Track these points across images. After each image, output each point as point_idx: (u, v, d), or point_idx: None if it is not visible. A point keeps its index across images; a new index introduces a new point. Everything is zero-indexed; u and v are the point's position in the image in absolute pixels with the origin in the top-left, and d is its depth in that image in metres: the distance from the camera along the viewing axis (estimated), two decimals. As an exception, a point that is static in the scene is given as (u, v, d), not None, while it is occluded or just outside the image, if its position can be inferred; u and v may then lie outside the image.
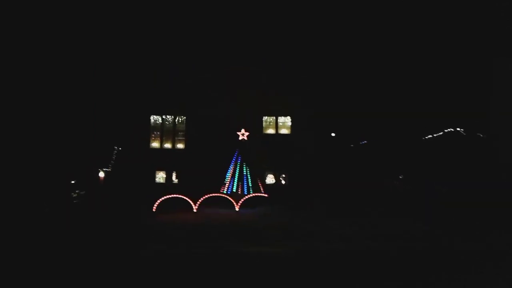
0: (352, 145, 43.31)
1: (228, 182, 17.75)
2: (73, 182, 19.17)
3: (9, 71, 26.86)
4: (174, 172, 22.75)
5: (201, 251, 9.40)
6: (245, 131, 18.68)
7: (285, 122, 23.76)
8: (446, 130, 31.47)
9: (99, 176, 22.63)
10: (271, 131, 23.57)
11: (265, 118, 23.54)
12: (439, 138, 31.66)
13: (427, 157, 28.07)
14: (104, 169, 23.53)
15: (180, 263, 8.59)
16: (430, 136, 32.88)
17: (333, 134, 41.96)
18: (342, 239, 10.82)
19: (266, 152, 21.69)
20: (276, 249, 9.74)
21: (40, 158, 25.43)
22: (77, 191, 17.99)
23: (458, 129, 30.52)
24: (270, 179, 22.79)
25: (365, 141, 42.36)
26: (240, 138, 18.53)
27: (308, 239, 10.89)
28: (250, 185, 17.55)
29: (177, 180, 22.48)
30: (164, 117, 23.12)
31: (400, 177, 21.90)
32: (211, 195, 16.91)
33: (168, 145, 23.13)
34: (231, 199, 16.49)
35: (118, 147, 24.19)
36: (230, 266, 8.33)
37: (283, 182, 20.96)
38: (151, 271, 7.85)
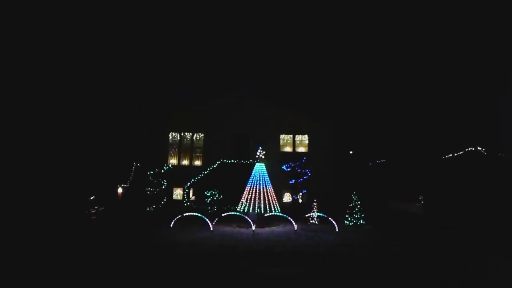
0: (370, 164, 42.87)
1: (245, 200, 17.69)
2: (92, 198, 19.40)
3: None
4: (191, 189, 22.85)
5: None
6: (263, 149, 18.67)
7: (303, 140, 23.71)
8: (467, 149, 30.86)
9: (117, 192, 22.89)
10: (288, 149, 23.57)
11: (282, 136, 23.56)
12: (459, 157, 31.03)
13: (448, 177, 27.50)
14: (122, 185, 23.80)
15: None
16: (451, 155, 32.28)
17: (351, 152, 41.66)
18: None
19: (283, 170, 21.66)
20: (291, 269, 9.61)
21: (57, 173, 25.95)
22: (96, 207, 18.17)
23: (479, 148, 29.90)
24: (287, 197, 22.66)
25: (384, 160, 41.87)
26: (258, 156, 18.50)
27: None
28: (267, 203, 17.43)
29: (193, 197, 22.56)
30: (182, 134, 23.35)
31: (420, 198, 21.41)
32: (227, 213, 16.86)
33: (185, 162, 23.30)
34: (248, 218, 16.40)
35: (137, 163, 24.47)
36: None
37: (300, 200, 20.76)
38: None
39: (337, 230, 15.93)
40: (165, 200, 19.53)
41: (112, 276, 9.11)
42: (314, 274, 9.47)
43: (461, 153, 31.61)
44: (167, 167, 20.04)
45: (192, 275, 9.23)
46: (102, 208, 18.58)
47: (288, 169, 21.09)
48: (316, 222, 16.82)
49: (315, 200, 17.44)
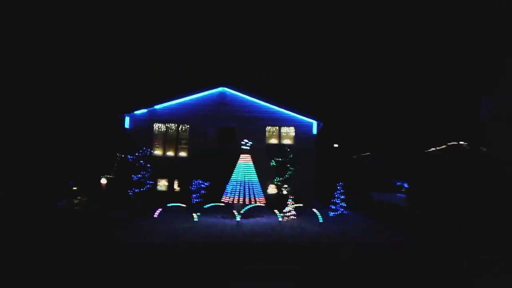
0: (354, 156, 43.37)
1: (229, 191, 17.71)
2: (75, 188, 19.17)
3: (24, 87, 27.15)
4: (176, 180, 22.76)
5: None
6: (248, 140, 18.68)
7: (288, 132, 23.79)
8: (449, 143, 31.41)
9: (101, 183, 22.69)
10: (274, 141, 23.63)
11: (268, 128, 23.59)
12: (442, 151, 31.57)
13: (430, 171, 27.96)
14: (106, 176, 23.58)
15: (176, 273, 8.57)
16: (433, 148, 32.82)
17: (335, 145, 42.03)
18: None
19: (268, 162, 21.71)
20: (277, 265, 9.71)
21: (42, 162, 25.59)
22: (79, 197, 17.97)
23: (461, 142, 30.45)
24: (271, 189, 22.76)
25: (368, 153, 42.40)
26: (243, 147, 18.51)
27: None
28: (252, 195, 17.48)
29: (179, 188, 22.48)
30: (167, 125, 23.20)
31: (403, 190, 21.75)
32: (212, 204, 16.89)
33: (170, 153, 23.18)
34: (232, 209, 16.45)
35: (120, 154, 24.24)
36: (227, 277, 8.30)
37: (284, 192, 20.87)
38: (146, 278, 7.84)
39: (320, 221, 16.10)
40: (148, 186, 19.30)
41: (93, 269, 9.06)
42: (304, 270, 9.57)
43: (443, 147, 32.19)
44: (150, 153, 19.86)
45: (176, 269, 9.24)
46: (86, 199, 18.37)
47: (276, 164, 21.20)
48: (294, 218, 16.89)
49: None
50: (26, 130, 27.84)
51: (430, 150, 33.20)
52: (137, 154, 19.58)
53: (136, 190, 18.98)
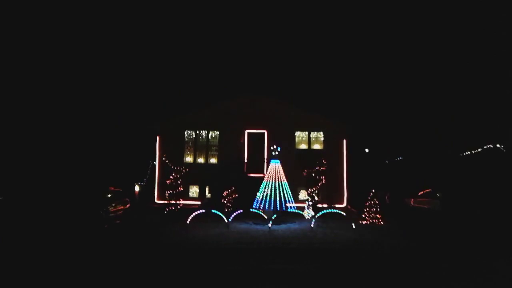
0: (387, 161, 42.46)
1: (260, 197, 17.70)
2: (109, 195, 19.61)
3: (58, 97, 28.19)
4: (207, 186, 22.98)
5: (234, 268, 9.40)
6: (278, 146, 18.65)
7: (318, 137, 23.62)
8: (485, 147, 30.33)
9: (135, 190, 23.19)
10: (303, 146, 23.51)
11: (297, 133, 23.51)
12: (478, 155, 30.53)
13: (466, 174, 27.07)
14: (139, 183, 24.09)
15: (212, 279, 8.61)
16: (469, 152, 31.77)
17: (367, 150, 41.31)
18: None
19: (298, 167, 21.59)
20: (305, 266, 9.61)
21: (77, 171, 26.41)
22: (113, 205, 18.34)
23: (497, 145, 29.35)
24: (302, 194, 22.61)
25: (401, 157, 41.44)
26: (273, 153, 18.50)
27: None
28: (283, 200, 17.41)
29: (210, 194, 22.67)
30: (198, 132, 23.50)
31: (438, 195, 21.11)
32: (243, 210, 16.92)
33: (201, 160, 23.45)
34: (264, 215, 16.42)
35: (153, 162, 24.73)
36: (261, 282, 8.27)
37: (316, 198, 20.68)
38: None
39: (353, 227, 15.83)
40: (180, 202, 19.72)
41: (127, 272, 9.24)
42: (330, 271, 9.43)
43: (479, 150, 31.10)
44: (184, 169, 20.20)
45: (207, 271, 9.29)
46: (122, 206, 18.75)
47: (304, 167, 21.02)
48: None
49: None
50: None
51: (466, 153, 32.17)
52: (167, 161, 19.92)
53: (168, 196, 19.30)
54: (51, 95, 30.30)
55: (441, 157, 34.03)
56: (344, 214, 16.42)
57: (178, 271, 9.18)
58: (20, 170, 24.50)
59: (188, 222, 15.81)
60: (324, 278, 8.76)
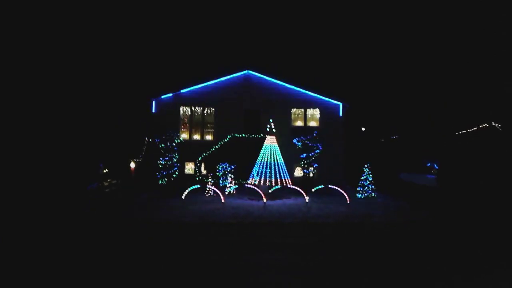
0: (382, 140, 42.61)
1: (256, 173, 17.75)
2: (105, 171, 19.67)
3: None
4: (203, 163, 22.97)
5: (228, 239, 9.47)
6: (274, 122, 18.59)
7: (314, 115, 23.54)
8: (481, 126, 30.39)
9: (130, 167, 23.17)
10: (299, 123, 23.44)
11: (293, 110, 23.40)
12: (473, 133, 30.62)
13: (461, 152, 27.21)
14: (135, 160, 24.06)
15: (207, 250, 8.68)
16: (464, 131, 31.86)
17: (363, 129, 41.32)
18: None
19: (294, 144, 21.58)
20: (300, 239, 9.70)
21: (72, 146, 26.32)
22: (109, 180, 18.43)
23: (493, 123, 29.40)
24: (298, 171, 22.70)
25: (396, 136, 41.57)
26: (268, 130, 18.45)
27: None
28: (278, 176, 17.47)
29: (205, 171, 22.69)
30: (193, 108, 23.34)
31: (433, 171, 21.26)
32: (238, 186, 16.98)
33: (197, 137, 23.37)
34: (259, 190, 16.48)
35: (148, 139, 24.64)
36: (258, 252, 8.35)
37: (311, 174, 20.75)
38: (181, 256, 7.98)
39: (348, 202, 15.94)
40: (177, 173, 19.66)
41: (121, 247, 9.29)
42: (326, 244, 9.53)
43: (475, 128, 31.18)
44: (178, 141, 20.10)
45: (203, 244, 9.36)
46: (115, 181, 18.83)
47: (299, 143, 20.96)
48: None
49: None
50: (56, 114, 28.59)
51: (462, 131, 32.25)
52: (164, 137, 19.86)
53: (164, 173, 19.31)
54: (43, 74, 29.91)
55: (437, 134, 34.14)
56: (339, 189, 16.48)
57: (176, 245, 9.24)
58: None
59: (183, 197, 15.88)
60: (322, 250, 8.85)
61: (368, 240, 9.89)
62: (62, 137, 27.65)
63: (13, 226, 10.76)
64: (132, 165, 23.46)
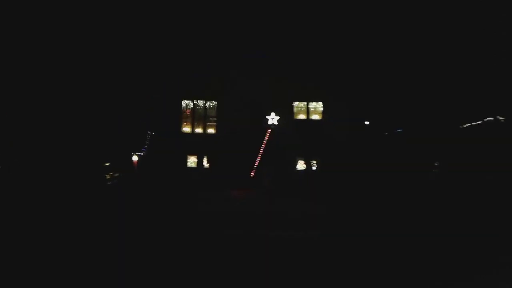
0: (386, 133, 42.40)
1: (259, 166, 17.73)
2: (107, 164, 19.69)
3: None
4: (205, 156, 22.94)
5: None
6: (275, 115, 18.53)
7: (317, 108, 23.40)
8: (485, 119, 30.13)
9: (132, 160, 23.20)
10: (302, 116, 23.29)
11: (296, 103, 23.24)
12: (478, 127, 30.37)
13: (464, 146, 27.01)
14: (137, 153, 24.07)
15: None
16: (469, 124, 31.62)
17: (367, 122, 41.12)
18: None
19: (297, 137, 21.48)
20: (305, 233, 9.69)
21: (75, 142, 26.32)
22: (111, 173, 18.46)
23: (498, 117, 29.15)
24: (300, 165, 22.61)
25: (401, 129, 41.35)
26: (270, 122, 18.39)
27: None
28: (281, 170, 17.46)
29: (208, 164, 22.66)
30: (195, 102, 23.27)
31: (436, 164, 21.13)
32: (241, 179, 16.99)
33: (199, 130, 23.32)
34: (262, 183, 16.48)
35: (151, 132, 24.62)
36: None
37: (313, 168, 20.70)
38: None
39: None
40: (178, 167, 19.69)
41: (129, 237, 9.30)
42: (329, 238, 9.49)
43: (479, 122, 30.93)
44: (180, 136, 20.10)
45: (208, 239, 9.33)
46: (118, 174, 18.85)
47: (302, 136, 20.89)
48: None
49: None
50: (56, 114, 28.56)
51: (465, 125, 32.01)
52: (166, 131, 19.87)
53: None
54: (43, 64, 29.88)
55: (440, 129, 33.92)
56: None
57: (179, 237, 9.25)
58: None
59: (187, 189, 15.92)
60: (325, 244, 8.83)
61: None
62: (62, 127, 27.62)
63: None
64: (135, 158, 23.49)
